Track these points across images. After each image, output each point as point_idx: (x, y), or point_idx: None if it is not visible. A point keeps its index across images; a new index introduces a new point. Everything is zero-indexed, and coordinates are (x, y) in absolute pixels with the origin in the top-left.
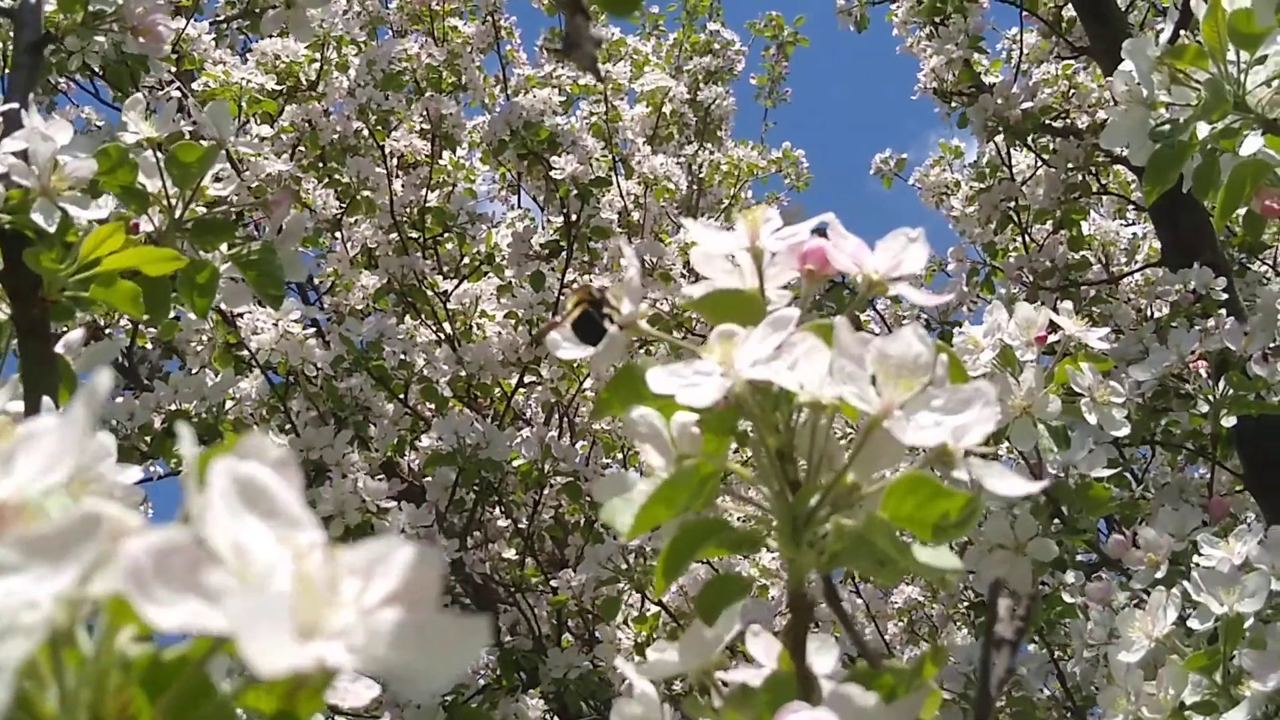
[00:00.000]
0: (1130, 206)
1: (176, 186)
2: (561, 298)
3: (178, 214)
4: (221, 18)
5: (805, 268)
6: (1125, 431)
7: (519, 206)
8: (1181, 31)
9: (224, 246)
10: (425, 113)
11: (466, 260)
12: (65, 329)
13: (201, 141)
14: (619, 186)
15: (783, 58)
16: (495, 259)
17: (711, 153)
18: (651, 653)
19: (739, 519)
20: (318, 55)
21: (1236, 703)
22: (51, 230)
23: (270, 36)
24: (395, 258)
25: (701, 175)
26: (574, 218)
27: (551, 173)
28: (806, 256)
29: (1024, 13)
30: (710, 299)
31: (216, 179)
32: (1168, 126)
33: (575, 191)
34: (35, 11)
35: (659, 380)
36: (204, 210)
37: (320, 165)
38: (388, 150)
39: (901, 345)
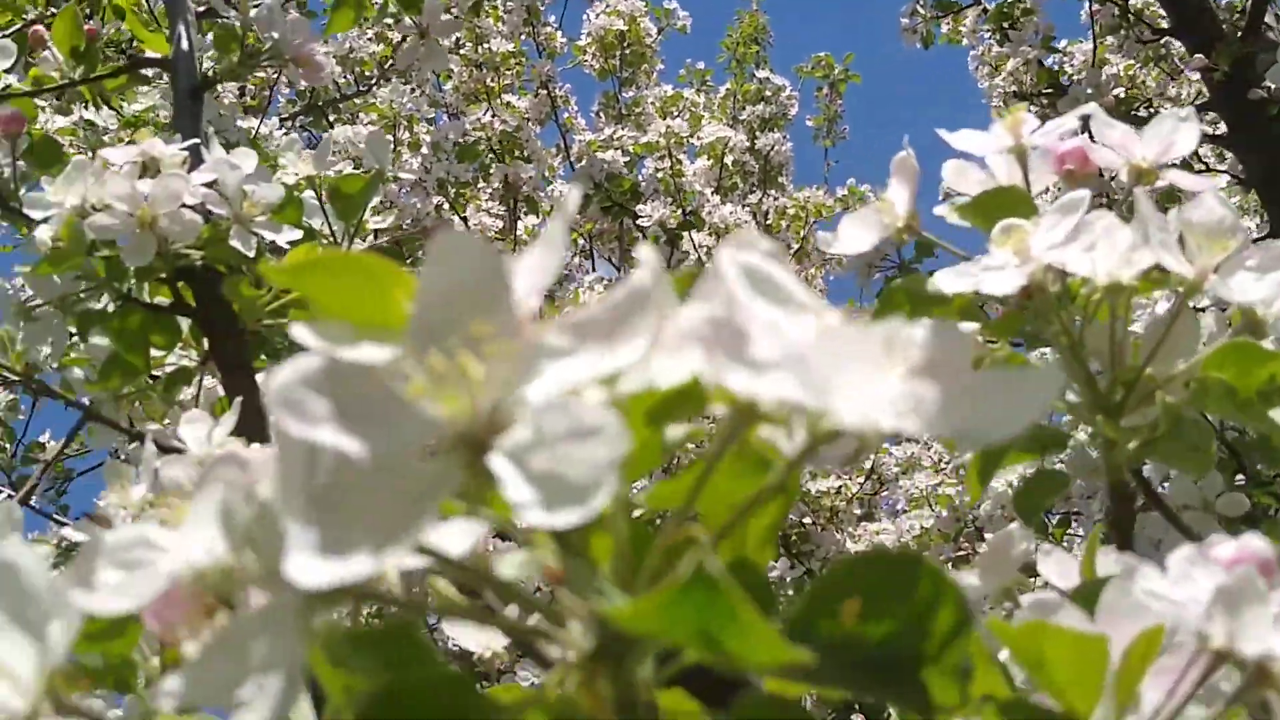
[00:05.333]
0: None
1: (340, 219)
2: None
3: (343, 249)
4: (285, 115)
5: (1065, 169)
6: None
7: (593, 271)
8: None
9: None
10: (504, 179)
11: None
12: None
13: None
14: (691, 239)
15: (836, 96)
16: None
17: (775, 198)
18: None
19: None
20: (390, 136)
21: None
22: (251, 255)
23: (411, 70)
24: None
25: (769, 221)
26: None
27: (638, 221)
28: (1065, 157)
29: (1094, 7)
30: (982, 200)
31: (374, 212)
32: None
33: (664, 238)
34: (190, 59)
35: (948, 281)
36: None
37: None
38: (471, 224)
39: (1205, 211)
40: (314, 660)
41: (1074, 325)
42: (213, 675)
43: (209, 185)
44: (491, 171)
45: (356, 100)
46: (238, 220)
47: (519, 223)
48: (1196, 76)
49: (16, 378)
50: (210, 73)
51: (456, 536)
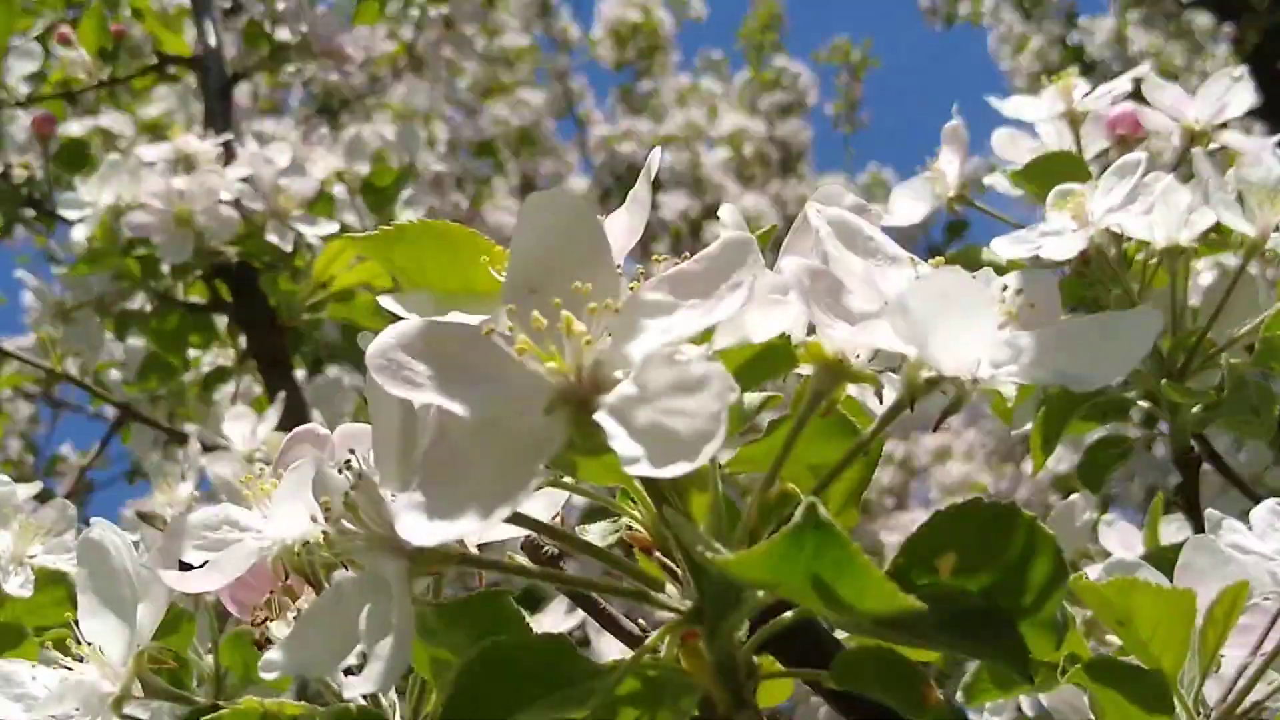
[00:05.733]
0: None
1: (373, 212)
2: None
3: None
4: (300, 116)
5: (1116, 133)
6: None
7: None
8: None
9: None
10: (522, 175)
11: None
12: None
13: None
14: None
15: (855, 82)
16: None
17: (796, 186)
18: None
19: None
20: None
21: None
22: (289, 250)
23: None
24: None
25: (790, 212)
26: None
27: (659, 212)
28: (1116, 122)
29: None
30: (1038, 164)
31: (405, 204)
32: None
33: (686, 229)
34: (218, 56)
35: (1005, 248)
36: None
37: None
38: (490, 223)
39: (1261, 170)
40: None
41: (1134, 289)
42: (314, 644)
43: (244, 180)
44: (508, 168)
45: (370, 99)
46: (274, 214)
47: None
48: (1224, 49)
49: (38, 388)
50: (239, 69)
51: (541, 504)
